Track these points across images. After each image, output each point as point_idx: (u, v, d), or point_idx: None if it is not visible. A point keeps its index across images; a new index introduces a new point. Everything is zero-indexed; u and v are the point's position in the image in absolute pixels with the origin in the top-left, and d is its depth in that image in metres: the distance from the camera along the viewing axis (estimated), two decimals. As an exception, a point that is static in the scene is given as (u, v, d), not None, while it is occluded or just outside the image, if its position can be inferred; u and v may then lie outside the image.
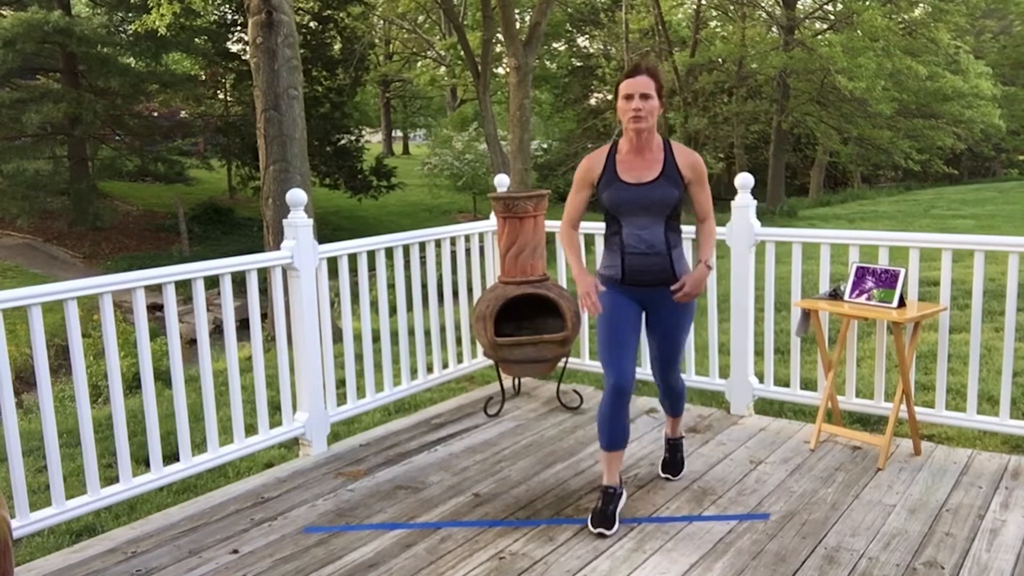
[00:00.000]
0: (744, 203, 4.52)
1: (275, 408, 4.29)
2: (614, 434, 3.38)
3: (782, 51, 24.48)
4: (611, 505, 3.40)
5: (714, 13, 29.06)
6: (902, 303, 3.97)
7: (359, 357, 4.65)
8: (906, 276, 4.01)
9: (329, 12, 24.15)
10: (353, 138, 26.39)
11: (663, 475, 3.87)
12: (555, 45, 32.94)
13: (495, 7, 17.06)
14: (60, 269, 18.72)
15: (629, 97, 3.29)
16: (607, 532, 3.33)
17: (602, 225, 3.57)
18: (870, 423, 4.79)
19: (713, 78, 27.11)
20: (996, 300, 6.97)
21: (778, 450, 4.16)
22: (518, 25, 18.31)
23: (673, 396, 3.77)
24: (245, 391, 4.17)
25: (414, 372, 4.99)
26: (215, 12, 23.07)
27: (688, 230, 3.96)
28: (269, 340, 5.39)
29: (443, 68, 31.27)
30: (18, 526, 3.24)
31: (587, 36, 33.09)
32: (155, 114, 24.95)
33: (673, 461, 3.89)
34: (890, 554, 3.13)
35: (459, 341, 5.19)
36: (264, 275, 4.89)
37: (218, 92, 26.14)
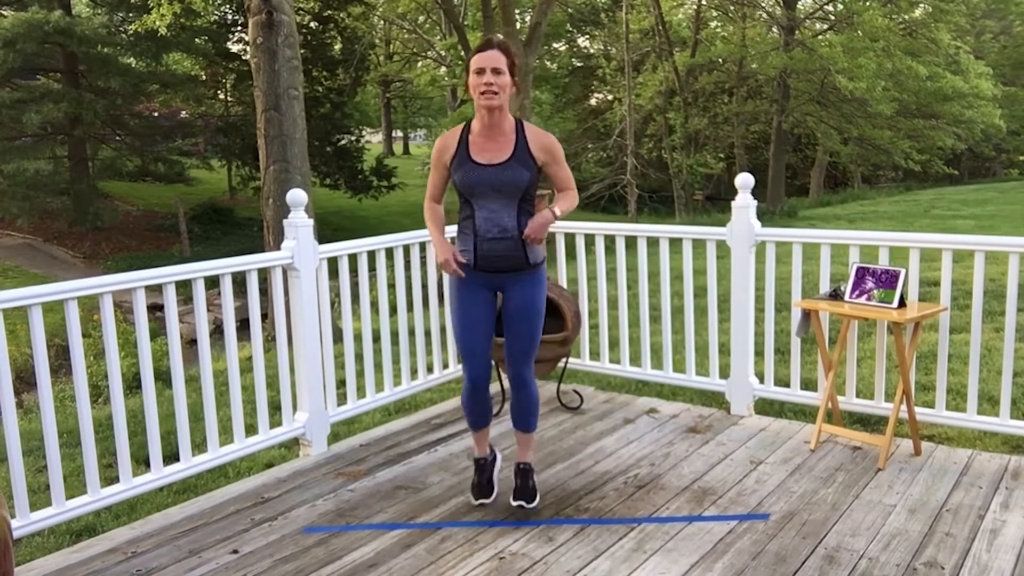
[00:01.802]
0: (744, 203, 4.51)
1: (275, 408, 4.29)
2: (475, 416, 3.59)
3: (782, 51, 24.49)
4: (484, 474, 3.60)
5: (714, 13, 29.07)
6: (902, 303, 3.97)
7: (359, 357, 4.65)
8: (906, 276, 4.01)
9: (329, 12, 24.15)
10: (353, 138, 26.40)
11: (514, 503, 3.51)
12: (555, 45, 32.95)
13: (495, 7, 17.06)
14: (60, 269, 18.72)
15: (480, 72, 3.21)
16: (487, 501, 3.51)
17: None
18: (870, 423, 4.79)
19: (713, 78, 27.14)
20: (996, 300, 6.97)
21: (778, 450, 4.16)
22: (518, 25, 18.33)
23: (525, 400, 3.53)
24: (245, 391, 4.17)
25: (414, 372, 4.99)
26: (215, 12, 23.07)
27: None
28: (269, 340, 5.39)
29: (443, 68, 31.25)
30: (18, 526, 3.24)
31: (587, 36, 33.11)
32: (155, 114, 24.94)
33: (524, 488, 3.53)
34: (890, 554, 3.13)
35: (459, 341, 5.18)
36: (264, 275, 4.89)
37: (218, 92, 26.15)
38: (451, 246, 3.43)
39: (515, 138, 3.33)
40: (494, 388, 5.12)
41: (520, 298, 3.44)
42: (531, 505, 3.52)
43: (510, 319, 3.49)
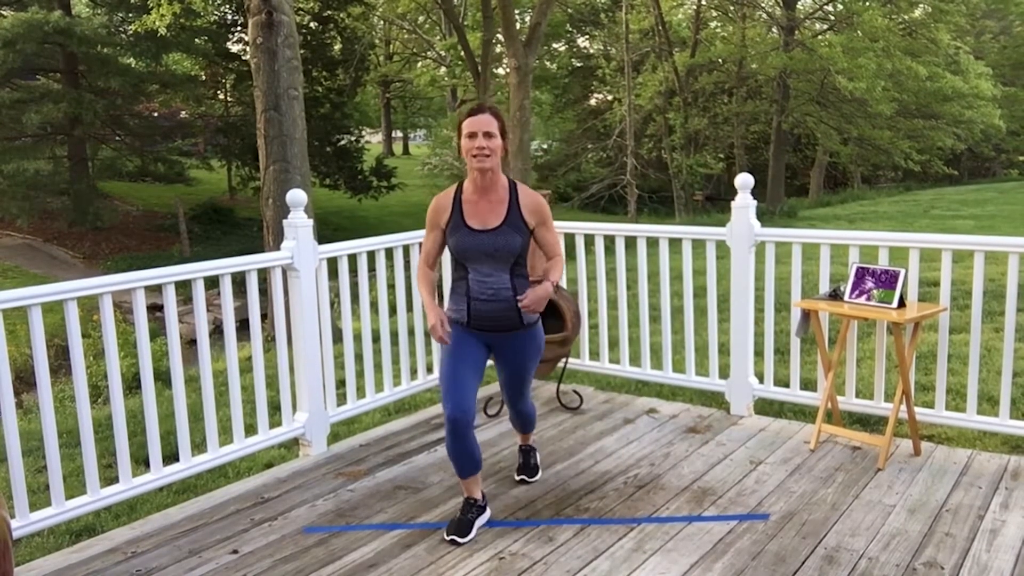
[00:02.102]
0: (744, 203, 4.52)
1: (275, 408, 4.29)
2: (461, 464, 3.37)
3: (782, 51, 24.48)
4: (469, 514, 3.40)
5: (714, 13, 29.06)
6: (902, 303, 3.97)
7: (359, 357, 4.65)
8: (906, 276, 4.01)
9: (329, 12, 24.14)
10: (353, 138, 26.40)
11: (517, 478, 3.91)
12: (555, 45, 32.95)
13: (495, 7, 17.06)
14: (60, 269, 18.72)
15: (472, 135, 3.25)
16: (460, 540, 3.30)
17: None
18: (870, 423, 4.79)
19: (713, 78, 27.13)
20: (996, 300, 6.97)
21: (778, 450, 4.16)
22: (518, 25, 18.31)
23: (523, 419, 3.83)
24: (245, 391, 4.17)
25: (414, 372, 4.99)
26: (215, 12, 23.07)
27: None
28: (269, 340, 5.39)
29: (443, 68, 31.26)
30: (18, 526, 3.25)
31: (587, 36, 33.10)
32: (155, 114, 24.93)
33: (527, 465, 3.95)
34: (890, 554, 3.13)
35: (459, 341, 5.18)
36: (264, 275, 4.90)
37: (218, 92, 26.14)
38: (440, 311, 3.38)
39: (508, 200, 3.34)
40: (493, 388, 5.13)
41: (512, 356, 3.49)
42: (532, 479, 3.90)
43: (503, 367, 3.56)
